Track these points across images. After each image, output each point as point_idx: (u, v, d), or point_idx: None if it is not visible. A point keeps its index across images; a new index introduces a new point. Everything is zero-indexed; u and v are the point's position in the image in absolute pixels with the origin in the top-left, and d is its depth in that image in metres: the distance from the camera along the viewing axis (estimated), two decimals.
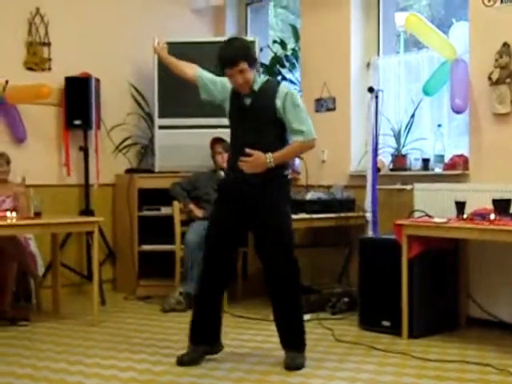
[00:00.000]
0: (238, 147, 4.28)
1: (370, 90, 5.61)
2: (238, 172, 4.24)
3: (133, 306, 6.27)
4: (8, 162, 5.90)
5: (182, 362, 4.29)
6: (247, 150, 4.15)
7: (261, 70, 6.70)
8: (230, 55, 4.17)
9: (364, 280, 5.24)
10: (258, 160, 4.17)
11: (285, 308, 4.29)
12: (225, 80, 4.34)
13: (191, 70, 4.49)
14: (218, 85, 4.39)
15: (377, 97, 5.64)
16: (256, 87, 4.25)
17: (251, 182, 4.21)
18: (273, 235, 4.23)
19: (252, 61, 4.21)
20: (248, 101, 4.25)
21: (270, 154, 4.17)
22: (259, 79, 4.33)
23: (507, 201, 4.78)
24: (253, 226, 4.35)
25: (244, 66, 4.14)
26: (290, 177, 4.45)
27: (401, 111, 6.17)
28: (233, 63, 4.14)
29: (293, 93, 4.30)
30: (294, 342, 4.29)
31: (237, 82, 4.19)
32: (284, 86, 4.33)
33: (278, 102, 4.20)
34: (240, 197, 4.26)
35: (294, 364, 4.18)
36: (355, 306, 5.55)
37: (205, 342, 4.37)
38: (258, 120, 4.22)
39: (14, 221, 5.19)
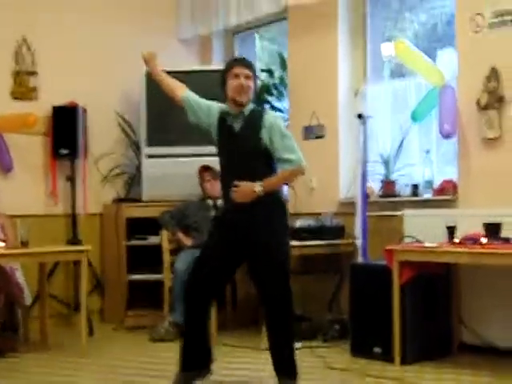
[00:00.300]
0: (228, 176, 4.24)
1: (359, 116, 5.62)
2: (229, 201, 4.20)
3: (121, 336, 6.20)
4: None
5: None
6: (235, 183, 4.12)
7: None
8: (247, 60, 4.28)
9: (355, 306, 5.20)
10: (246, 189, 4.12)
11: (279, 334, 4.22)
12: (212, 104, 4.33)
13: (179, 90, 4.43)
14: (203, 108, 4.33)
15: (365, 123, 5.64)
16: (246, 113, 4.23)
17: (243, 209, 4.15)
18: (266, 259, 4.17)
19: (256, 81, 4.27)
20: (237, 127, 4.22)
21: (259, 183, 4.12)
22: (248, 106, 4.27)
23: (498, 224, 4.77)
24: (247, 254, 4.26)
25: (251, 74, 4.19)
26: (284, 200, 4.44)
27: (389, 138, 6.18)
28: (245, 65, 4.20)
29: (278, 123, 4.26)
30: (287, 369, 4.22)
31: (240, 83, 4.14)
32: (269, 116, 4.25)
33: (264, 134, 4.15)
34: (232, 225, 4.23)
35: None
36: (346, 333, 5.51)
37: (194, 368, 4.31)
38: (246, 148, 4.19)
39: (2, 250, 5.13)
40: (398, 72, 6.37)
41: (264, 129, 4.16)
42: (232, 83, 4.18)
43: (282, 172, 4.24)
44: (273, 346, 4.25)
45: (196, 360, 4.33)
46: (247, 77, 4.17)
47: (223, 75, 4.24)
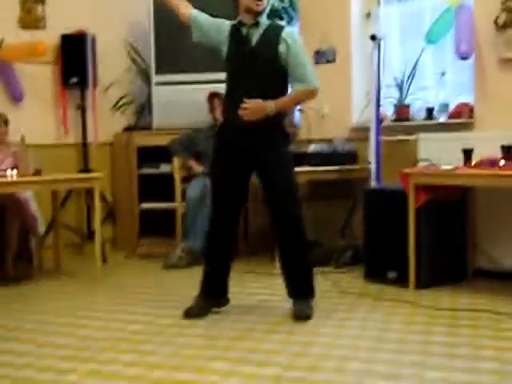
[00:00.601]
0: (236, 92, 4.13)
1: (373, 37, 5.50)
2: (234, 119, 4.10)
3: (134, 263, 6.23)
4: (6, 123, 5.80)
5: (189, 314, 4.24)
6: (245, 101, 4.02)
7: None
8: None
9: (369, 231, 5.18)
10: (258, 106, 4.04)
11: (293, 253, 4.22)
12: (222, 20, 4.22)
13: (186, 8, 4.29)
14: (212, 25, 4.22)
15: (379, 45, 5.52)
16: (261, 23, 4.12)
17: (247, 130, 4.08)
18: (277, 184, 4.14)
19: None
20: (254, 39, 4.10)
21: (270, 101, 4.05)
22: (264, 19, 4.17)
23: None
24: (258, 171, 4.24)
25: None
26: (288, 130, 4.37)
27: (403, 61, 6.07)
28: None
29: (297, 38, 4.19)
30: (302, 290, 4.24)
31: None
32: (288, 31, 4.18)
33: (282, 47, 4.07)
34: (240, 147, 4.16)
35: (303, 314, 4.12)
36: (359, 259, 5.52)
37: (214, 296, 4.33)
38: (262, 61, 4.07)
39: (15, 178, 5.11)
40: None
41: (283, 43, 4.08)
42: None
43: (295, 91, 4.18)
44: (287, 266, 4.25)
45: (217, 288, 4.34)
46: None
47: None
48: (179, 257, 5.83)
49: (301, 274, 4.25)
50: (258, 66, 4.08)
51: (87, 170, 6.48)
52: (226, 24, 4.20)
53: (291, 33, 4.20)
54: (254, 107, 4.03)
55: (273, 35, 4.11)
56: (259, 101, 4.03)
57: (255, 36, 4.12)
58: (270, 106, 4.05)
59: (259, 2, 4.05)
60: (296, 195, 4.20)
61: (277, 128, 4.19)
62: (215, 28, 4.21)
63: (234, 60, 4.16)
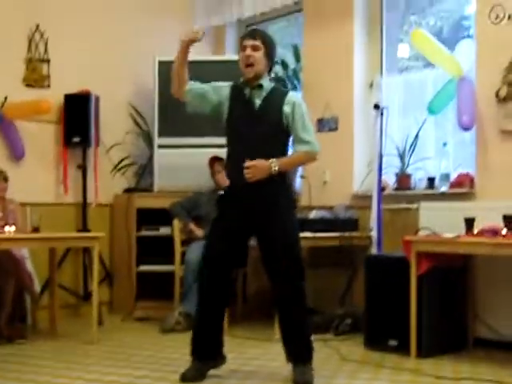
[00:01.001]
0: (239, 154, 4.11)
1: (376, 106, 5.57)
2: (239, 179, 4.08)
3: (131, 326, 6.13)
4: (5, 179, 5.81)
5: (185, 378, 4.14)
6: (247, 162, 4.02)
7: None
8: (254, 30, 4.25)
9: (370, 298, 5.13)
10: (262, 166, 4.04)
11: (294, 319, 4.16)
12: (220, 83, 4.25)
13: (186, 85, 4.26)
14: (210, 89, 4.22)
15: (382, 114, 5.58)
16: (265, 86, 4.15)
17: (253, 188, 4.07)
18: (281, 244, 4.11)
19: (268, 50, 4.13)
20: (257, 101, 4.13)
21: (274, 160, 4.06)
22: (268, 82, 4.22)
23: None
24: (259, 237, 4.21)
25: (259, 44, 4.09)
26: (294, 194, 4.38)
27: (405, 131, 6.12)
28: (251, 35, 4.13)
29: (301, 102, 4.23)
30: (302, 354, 4.16)
31: (244, 55, 4.08)
32: (293, 94, 4.25)
33: (287, 108, 4.11)
34: (244, 207, 4.13)
35: (304, 379, 4.04)
36: (358, 326, 5.46)
37: (208, 357, 4.24)
38: (265, 125, 4.10)
39: (13, 235, 5.07)
40: (414, 65, 6.34)
41: (287, 105, 4.12)
42: (241, 55, 4.14)
43: (298, 153, 4.19)
44: (286, 331, 4.19)
45: (210, 349, 4.26)
46: (254, 47, 4.08)
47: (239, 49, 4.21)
48: (177, 321, 5.75)
49: (301, 339, 4.18)
50: (262, 127, 4.10)
51: (86, 231, 6.43)
52: (225, 85, 4.24)
53: (296, 96, 4.27)
54: (257, 167, 4.03)
55: (277, 97, 4.15)
56: (262, 160, 4.04)
57: (259, 98, 4.15)
58: (274, 165, 4.05)
59: (248, 69, 4.10)
60: (299, 257, 4.17)
61: (283, 190, 4.18)
62: (212, 91, 4.21)
63: (236, 121, 4.17)
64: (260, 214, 4.13)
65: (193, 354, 4.24)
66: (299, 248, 4.19)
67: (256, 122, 4.11)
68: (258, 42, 4.09)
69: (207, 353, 4.24)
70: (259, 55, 4.10)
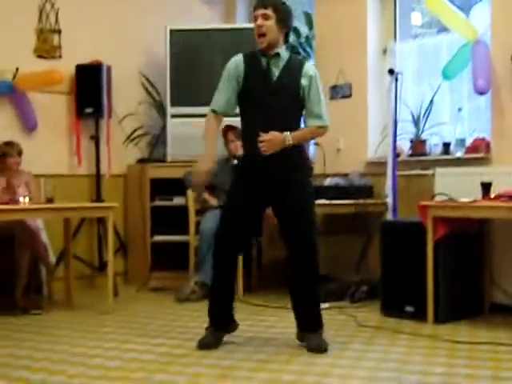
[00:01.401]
0: (259, 125, 4.06)
1: (391, 71, 5.50)
2: (255, 150, 4.07)
3: (146, 296, 6.13)
4: (20, 153, 5.80)
5: (203, 344, 4.16)
6: (261, 135, 4.00)
7: None
8: None
9: (386, 265, 5.11)
10: (277, 139, 4.02)
11: (305, 284, 4.16)
12: (234, 66, 4.15)
13: (207, 123, 4.26)
14: (226, 82, 4.16)
15: (396, 79, 5.51)
16: (282, 56, 4.09)
17: (269, 159, 4.05)
18: (297, 212, 4.11)
19: (281, 17, 4.05)
20: (275, 72, 4.07)
21: (288, 133, 4.04)
22: (285, 51, 4.15)
23: None
24: (276, 206, 4.21)
25: (270, 13, 4.02)
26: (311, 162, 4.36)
27: (419, 96, 6.06)
28: (262, 4, 4.03)
29: (317, 74, 4.17)
30: (313, 322, 4.17)
31: (256, 25, 4.03)
32: (309, 66, 4.18)
33: (304, 81, 4.08)
34: (258, 175, 4.11)
35: (320, 347, 4.04)
36: (374, 293, 5.45)
37: (223, 324, 4.27)
38: (283, 96, 4.06)
39: (28, 205, 5.07)
40: (427, 32, 6.27)
41: (304, 77, 4.08)
42: (254, 26, 4.07)
43: (311, 127, 4.17)
44: (301, 302, 4.20)
45: (225, 317, 4.28)
46: (265, 16, 4.02)
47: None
48: (192, 290, 5.75)
49: (313, 306, 4.19)
50: (280, 99, 4.05)
51: (100, 202, 6.42)
52: (239, 60, 4.16)
53: (312, 67, 4.20)
54: (272, 140, 4.02)
55: (295, 68, 4.10)
56: (276, 133, 4.02)
57: (276, 68, 4.09)
58: (288, 138, 4.03)
59: (261, 39, 4.05)
60: (314, 225, 4.17)
61: (299, 157, 4.18)
62: (234, 82, 4.13)
63: (254, 91, 4.10)
64: (277, 183, 4.11)
65: (211, 322, 4.25)
66: (314, 216, 4.19)
67: (274, 93, 4.05)
68: (268, 11, 4.02)
69: (223, 321, 4.26)
70: (271, 23, 4.03)
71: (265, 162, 4.08)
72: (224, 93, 4.16)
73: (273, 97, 4.06)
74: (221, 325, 4.26)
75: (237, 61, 4.16)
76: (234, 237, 4.19)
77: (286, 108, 4.09)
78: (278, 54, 4.09)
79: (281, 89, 4.06)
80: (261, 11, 4.03)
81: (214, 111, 4.19)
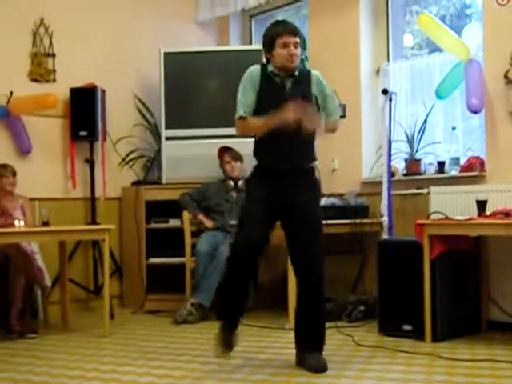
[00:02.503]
0: (278, 136, 4.00)
1: (384, 91, 5.52)
2: (276, 161, 4.08)
3: (142, 319, 6.10)
4: (14, 174, 5.80)
5: (228, 345, 4.16)
6: (297, 103, 3.97)
7: None
8: (291, 26, 4.14)
9: (383, 284, 5.10)
10: (315, 118, 4.04)
11: (316, 306, 4.18)
12: (246, 77, 4.17)
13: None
14: (251, 96, 4.14)
15: (390, 99, 5.55)
16: (295, 74, 4.16)
17: (294, 178, 4.09)
18: (312, 231, 4.16)
19: (303, 46, 4.30)
20: (288, 85, 4.12)
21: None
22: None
23: None
24: (288, 222, 4.19)
25: (298, 41, 4.10)
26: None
27: (413, 117, 6.08)
28: (294, 33, 4.08)
29: (320, 74, 4.25)
30: (319, 343, 4.18)
31: (290, 51, 4.04)
32: (315, 73, 4.25)
33: (314, 88, 4.16)
34: (278, 192, 4.08)
35: (321, 365, 4.05)
36: (371, 313, 5.45)
37: (236, 325, 4.22)
38: None
39: (23, 229, 5.06)
40: (419, 53, 6.32)
41: (314, 84, 4.17)
42: (282, 52, 4.06)
43: (333, 122, 4.29)
44: (308, 319, 4.19)
45: (238, 319, 4.24)
46: (295, 45, 4.08)
47: (271, 40, 4.10)
48: (189, 312, 5.73)
49: (320, 328, 4.20)
50: None
51: (95, 225, 6.40)
52: (256, 70, 4.17)
53: (317, 72, 4.27)
54: (313, 117, 4.01)
55: (304, 79, 4.17)
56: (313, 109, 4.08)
57: (289, 81, 4.14)
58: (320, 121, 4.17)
59: (294, 58, 4.08)
60: (321, 251, 4.24)
61: (314, 178, 4.25)
62: (250, 93, 4.14)
63: (269, 103, 4.05)
64: (293, 199, 4.10)
65: (225, 325, 4.19)
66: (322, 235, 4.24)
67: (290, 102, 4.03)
68: (298, 39, 4.10)
69: (236, 322, 4.23)
70: (299, 52, 4.13)
71: (284, 175, 4.09)
72: (246, 98, 4.15)
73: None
74: (235, 325, 4.20)
75: (254, 71, 4.19)
76: (256, 237, 4.07)
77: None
78: (293, 75, 4.15)
79: (295, 97, 4.04)
80: (292, 39, 4.07)
81: (242, 117, 4.14)
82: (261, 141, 4.17)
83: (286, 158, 4.10)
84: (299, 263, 4.20)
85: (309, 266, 4.16)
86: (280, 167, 4.10)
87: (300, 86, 4.15)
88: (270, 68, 4.15)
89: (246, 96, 4.16)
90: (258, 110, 4.11)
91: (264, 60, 4.29)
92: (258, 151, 4.23)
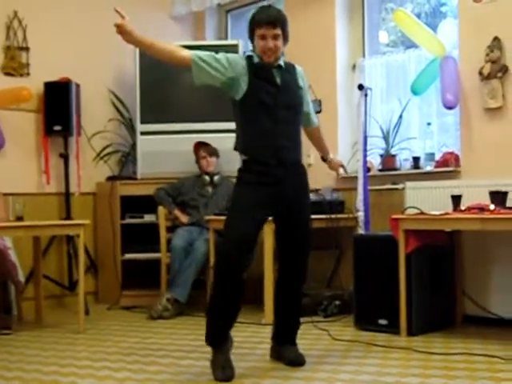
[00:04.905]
0: (271, 128, 3.89)
1: (360, 87, 5.54)
2: (273, 157, 3.91)
3: (117, 315, 6.06)
4: None
5: (229, 377, 3.79)
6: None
7: None
8: (272, 15, 3.87)
9: (358, 278, 5.12)
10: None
11: (296, 299, 4.21)
12: (232, 56, 3.96)
13: (181, 51, 3.86)
14: (222, 63, 3.89)
15: (366, 95, 5.56)
16: (282, 65, 4.00)
17: (290, 172, 3.98)
18: (304, 229, 4.14)
19: (286, 35, 3.94)
20: (278, 78, 3.96)
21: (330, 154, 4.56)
22: (283, 60, 4.05)
23: (504, 193, 4.71)
24: (281, 216, 4.07)
25: (279, 32, 3.87)
26: None
27: (388, 113, 6.11)
28: (272, 24, 3.84)
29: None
30: (295, 335, 4.21)
31: (266, 45, 3.83)
32: (299, 68, 4.15)
33: (301, 82, 4.10)
34: (273, 186, 3.92)
35: (299, 359, 4.06)
36: (347, 308, 5.47)
37: (229, 344, 4.01)
38: (291, 97, 3.99)
39: None
40: (394, 50, 6.34)
41: (300, 79, 4.10)
42: (259, 43, 3.90)
43: (316, 126, 4.39)
44: (290, 314, 4.20)
45: (228, 333, 4.02)
46: (275, 37, 3.86)
47: (251, 30, 3.93)
48: (164, 307, 5.71)
49: (297, 322, 4.22)
50: (288, 99, 3.96)
51: (69, 220, 6.35)
52: (238, 59, 3.98)
53: (301, 68, 4.17)
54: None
55: (291, 71, 4.07)
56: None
57: (278, 73, 3.97)
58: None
59: (271, 56, 3.90)
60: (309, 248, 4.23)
61: (305, 172, 4.17)
62: (225, 65, 3.89)
63: (262, 95, 3.91)
64: (287, 194, 3.98)
65: (222, 344, 3.93)
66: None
67: (281, 95, 3.93)
68: (278, 31, 3.87)
69: (228, 339, 4.00)
70: (280, 43, 3.90)
71: (280, 169, 3.93)
72: (211, 56, 3.89)
73: (280, 98, 3.93)
74: (227, 343, 3.98)
75: (241, 59, 3.98)
76: (246, 243, 3.84)
77: (294, 108, 4.01)
78: (280, 66, 3.98)
79: (285, 90, 3.96)
80: (271, 32, 3.86)
81: (193, 59, 3.84)
82: (253, 132, 3.96)
83: (282, 151, 3.94)
84: (290, 255, 4.13)
85: (300, 259, 4.14)
86: (275, 160, 3.92)
87: (288, 76, 4.02)
88: (256, 59, 3.96)
89: (217, 61, 3.88)
90: (249, 94, 3.90)
91: (250, 46, 4.10)
92: (248, 144, 3.99)
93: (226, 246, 3.84)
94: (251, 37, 3.97)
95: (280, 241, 4.18)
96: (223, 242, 3.96)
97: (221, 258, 3.90)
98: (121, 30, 3.81)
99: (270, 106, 3.91)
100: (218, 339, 3.92)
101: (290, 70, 4.08)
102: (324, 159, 4.57)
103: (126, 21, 3.82)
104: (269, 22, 3.87)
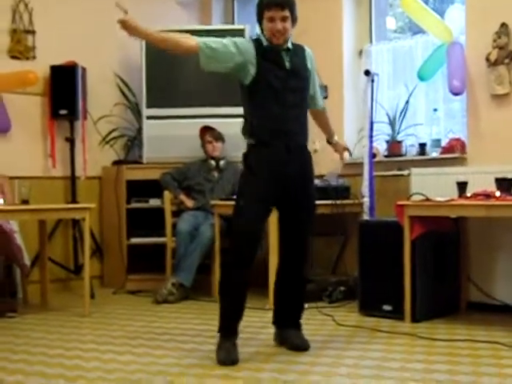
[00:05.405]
0: (281, 111, 3.90)
1: (367, 73, 5.52)
2: (281, 140, 3.92)
3: (123, 299, 6.09)
4: None
5: (231, 361, 3.81)
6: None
7: None
8: None
9: (363, 264, 5.12)
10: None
11: (302, 286, 4.22)
12: (240, 40, 3.95)
13: (188, 39, 3.85)
14: (230, 48, 3.87)
15: (373, 80, 5.54)
16: (291, 47, 4.00)
17: (299, 157, 4.01)
18: (308, 213, 4.14)
19: (295, 18, 3.93)
20: (287, 60, 3.94)
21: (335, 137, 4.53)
22: (291, 42, 4.04)
23: (510, 180, 4.69)
24: (287, 200, 4.06)
25: (288, 14, 3.86)
26: None
27: (395, 99, 6.09)
28: (280, 6, 3.83)
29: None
30: (300, 319, 4.22)
31: (275, 27, 3.83)
32: (309, 50, 4.13)
33: (309, 64, 4.08)
34: (281, 170, 3.93)
35: (303, 344, 4.08)
36: (351, 294, 5.47)
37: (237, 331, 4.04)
38: (299, 80, 3.98)
39: (2, 207, 5.02)
40: (401, 36, 6.31)
41: (309, 61, 4.09)
42: (267, 25, 3.88)
43: (322, 108, 4.36)
44: (294, 299, 4.21)
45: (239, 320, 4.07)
46: (283, 19, 3.84)
47: (260, 12, 3.92)
48: (169, 291, 5.73)
49: (301, 307, 4.24)
50: (297, 83, 3.96)
51: (75, 204, 6.36)
52: (246, 43, 3.96)
53: (311, 51, 4.16)
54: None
55: (300, 54, 4.05)
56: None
57: (287, 56, 3.96)
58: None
59: (280, 38, 3.89)
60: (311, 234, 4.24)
61: (311, 157, 4.17)
62: (233, 50, 3.87)
63: (271, 78, 3.90)
64: (291, 176, 3.97)
65: (231, 335, 3.98)
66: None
67: (290, 79, 3.93)
68: (287, 13, 3.86)
69: (237, 328, 4.05)
70: (288, 25, 3.89)
71: (289, 154, 3.94)
72: (218, 41, 3.88)
73: (290, 82, 3.93)
74: (236, 331, 4.02)
75: (249, 43, 3.96)
76: (255, 232, 3.92)
77: (302, 92, 4.02)
78: (288, 49, 3.97)
79: (297, 73, 3.97)
80: (280, 13, 3.85)
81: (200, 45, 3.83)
82: (262, 116, 3.95)
83: (290, 135, 3.95)
84: (291, 237, 4.13)
85: (301, 242, 4.13)
86: (282, 144, 3.93)
87: (297, 59, 4.00)
88: (265, 42, 3.94)
89: (225, 47, 3.87)
90: (257, 79, 3.89)
91: (258, 30, 4.09)
92: (256, 128, 3.97)
93: (237, 239, 3.93)
94: (260, 19, 3.96)
95: (282, 223, 4.18)
96: (232, 235, 4.02)
97: (232, 250, 3.95)
98: (125, 26, 3.83)
99: (279, 90, 3.91)
100: (229, 331, 3.97)
101: (298, 52, 4.05)
102: (329, 142, 4.51)
103: (128, 16, 3.84)
104: (277, 3, 3.86)
